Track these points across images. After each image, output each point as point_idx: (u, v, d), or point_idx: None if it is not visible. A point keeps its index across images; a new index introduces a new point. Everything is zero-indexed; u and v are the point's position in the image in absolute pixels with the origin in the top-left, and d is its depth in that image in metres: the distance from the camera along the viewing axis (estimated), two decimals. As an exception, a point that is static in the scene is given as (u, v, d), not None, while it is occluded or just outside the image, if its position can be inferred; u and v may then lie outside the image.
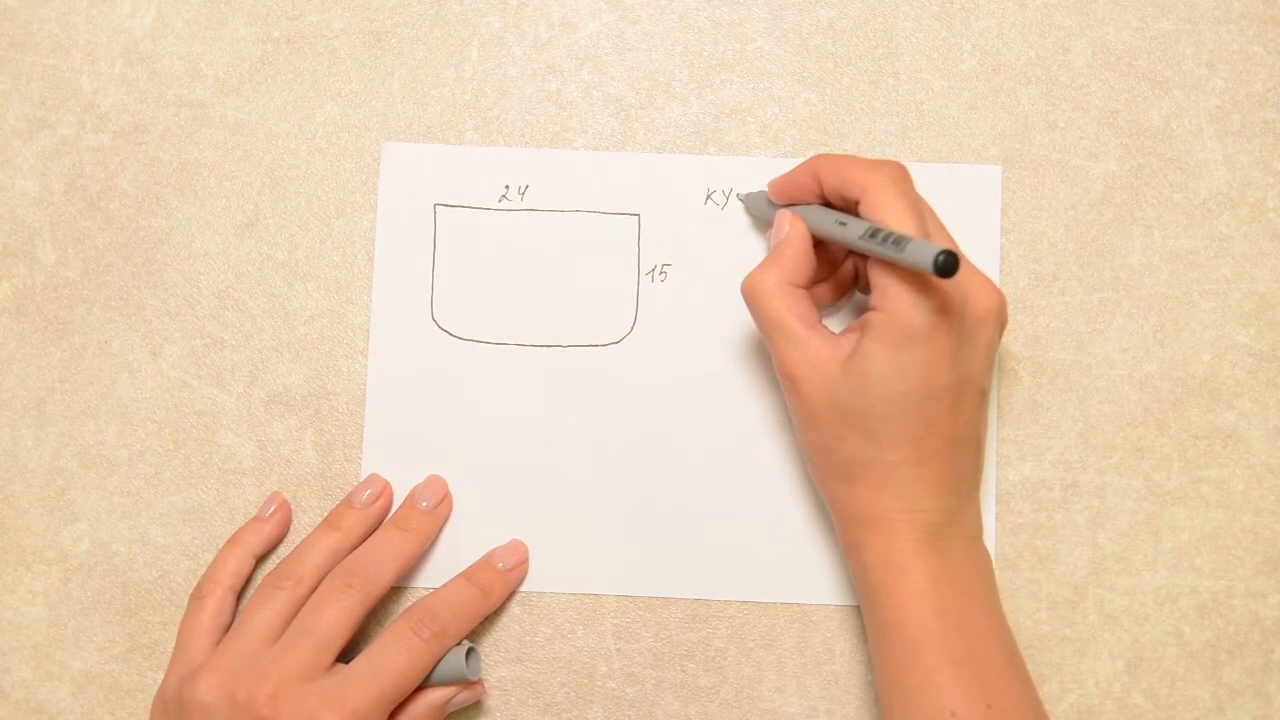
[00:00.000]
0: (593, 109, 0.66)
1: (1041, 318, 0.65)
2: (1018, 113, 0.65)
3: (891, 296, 0.55)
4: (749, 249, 0.65)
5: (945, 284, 0.55)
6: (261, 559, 0.64)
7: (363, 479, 0.64)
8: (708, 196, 0.65)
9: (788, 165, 0.64)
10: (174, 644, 0.62)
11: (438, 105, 0.66)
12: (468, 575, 0.63)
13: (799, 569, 0.63)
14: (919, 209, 0.57)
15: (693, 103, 0.66)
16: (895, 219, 0.56)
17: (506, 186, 0.64)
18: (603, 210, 0.65)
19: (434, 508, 0.63)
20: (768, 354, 0.64)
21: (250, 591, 0.64)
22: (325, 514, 0.64)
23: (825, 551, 0.64)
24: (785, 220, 0.59)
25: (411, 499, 0.63)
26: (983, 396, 0.58)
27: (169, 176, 0.66)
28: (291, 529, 0.64)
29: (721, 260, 0.65)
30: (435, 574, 0.64)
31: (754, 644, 0.64)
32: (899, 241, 0.54)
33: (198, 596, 0.62)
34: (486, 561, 0.63)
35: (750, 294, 0.59)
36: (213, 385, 0.65)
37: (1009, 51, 0.65)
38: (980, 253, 0.64)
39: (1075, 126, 0.65)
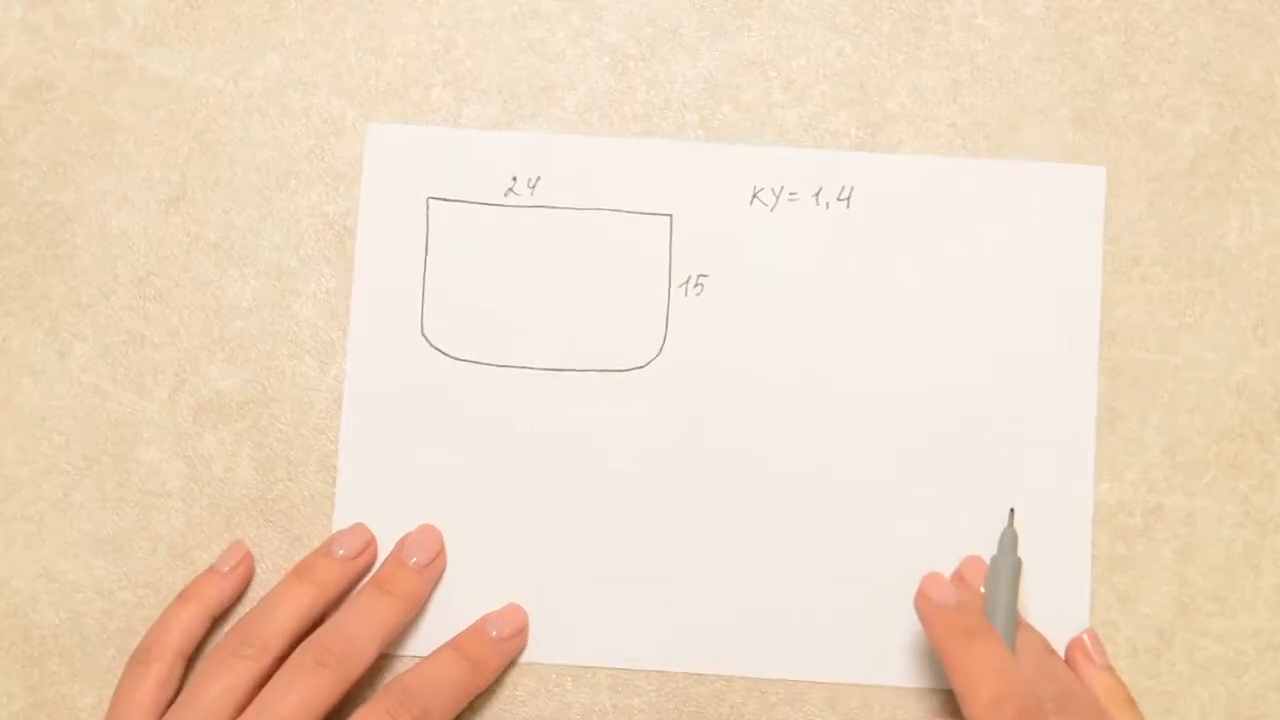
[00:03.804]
0: (584, 61, 0.64)
1: (1119, 310, 0.62)
2: (1091, 65, 0.63)
3: None
4: (800, 257, 0.62)
5: None
6: (218, 620, 0.61)
7: (336, 528, 0.62)
8: (754, 195, 0.63)
9: (842, 158, 0.63)
10: (107, 712, 0.59)
11: (399, 57, 0.64)
12: (456, 645, 0.60)
13: (839, 645, 0.61)
14: None
15: (703, 53, 0.63)
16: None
17: (514, 178, 0.63)
18: (628, 209, 0.63)
19: (425, 566, 0.60)
20: (822, 389, 0.62)
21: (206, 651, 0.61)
22: (264, 545, 0.62)
23: (867, 628, 0.61)
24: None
25: (399, 554, 0.61)
26: None
27: (79, 142, 0.64)
28: (246, 562, 0.62)
29: (768, 271, 0.63)
30: (419, 640, 0.61)
31: (777, 699, 0.61)
32: None
33: (141, 661, 0.59)
34: (479, 628, 0.61)
35: None
36: (131, 391, 0.63)
37: (1081, -9, 0.65)
38: (1075, 270, 0.62)
39: (1160, 82, 0.63)
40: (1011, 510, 0.60)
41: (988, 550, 0.59)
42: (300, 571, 0.60)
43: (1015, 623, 0.56)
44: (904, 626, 0.61)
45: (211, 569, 0.61)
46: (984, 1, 0.63)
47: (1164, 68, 0.63)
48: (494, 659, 0.60)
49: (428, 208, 0.63)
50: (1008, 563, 0.58)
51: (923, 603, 0.57)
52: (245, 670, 0.57)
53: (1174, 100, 0.63)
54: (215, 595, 0.61)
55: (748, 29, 0.63)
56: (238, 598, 0.62)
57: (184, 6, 0.63)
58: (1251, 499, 0.61)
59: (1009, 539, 0.59)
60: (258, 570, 0.61)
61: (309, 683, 0.56)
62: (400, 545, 0.61)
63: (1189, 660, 0.61)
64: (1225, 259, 0.62)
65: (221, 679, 0.57)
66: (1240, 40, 0.63)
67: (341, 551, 0.60)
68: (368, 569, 0.61)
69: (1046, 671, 0.57)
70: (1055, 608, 0.60)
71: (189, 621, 0.60)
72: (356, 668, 0.57)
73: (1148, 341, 0.62)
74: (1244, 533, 0.61)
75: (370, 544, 0.61)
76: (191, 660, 0.60)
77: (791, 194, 0.63)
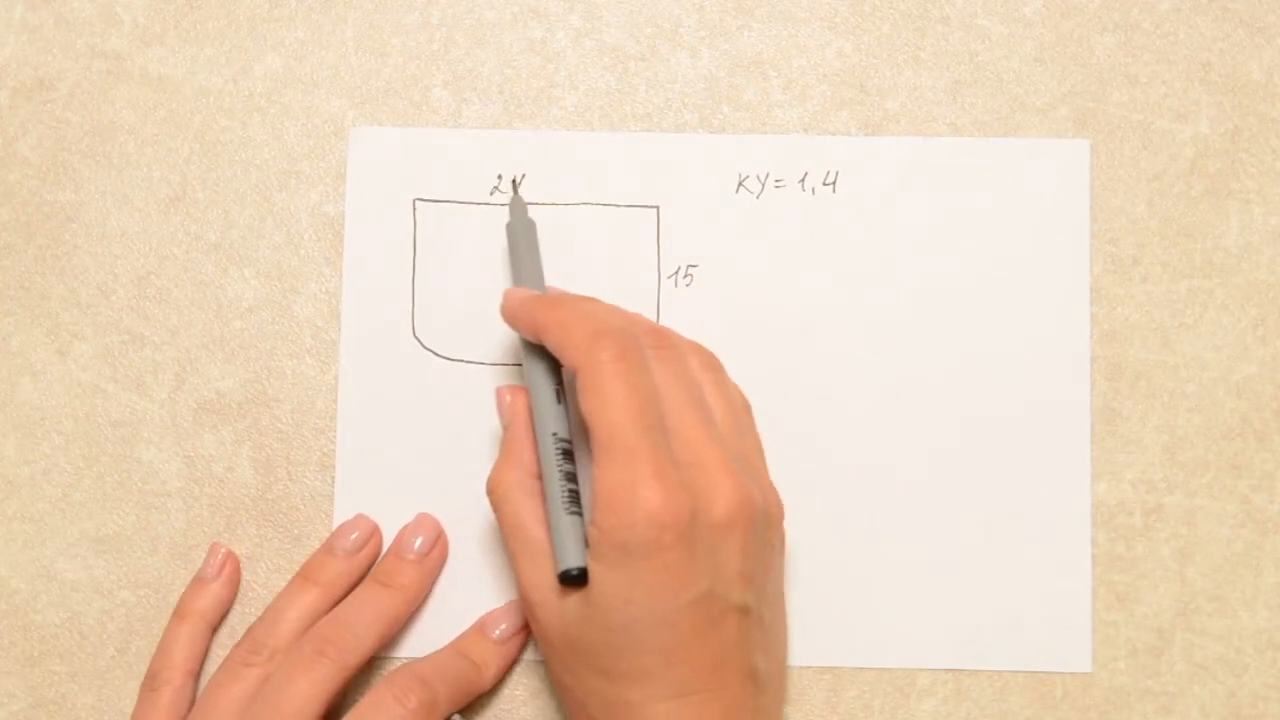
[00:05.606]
0: (584, 61, 0.63)
1: (1119, 310, 0.62)
2: (1092, 65, 0.63)
3: (606, 507, 0.52)
4: (788, 244, 0.62)
5: (667, 489, 0.52)
6: (216, 628, 0.61)
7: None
8: (740, 183, 0.62)
9: (827, 144, 0.62)
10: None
11: (399, 56, 0.63)
12: (457, 647, 0.59)
13: (832, 633, 0.61)
14: (636, 412, 0.53)
15: (703, 53, 0.63)
16: (603, 424, 0.52)
17: (499, 176, 0.63)
18: (615, 203, 0.63)
19: (425, 555, 0.60)
20: (815, 375, 0.62)
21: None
22: (265, 545, 0.61)
23: (860, 620, 0.61)
24: (505, 402, 0.58)
25: (398, 546, 0.60)
26: (746, 614, 0.54)
27: (79, 142, 0.63)
28: (230, 562, 0.62)
29: (757, 259, 0.62)
30: (419, 641, 0.61)
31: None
32: (557, 512, 0.54)
33: (151, 688, 0.59)
34: (479, 629, 0.60)
35: (491, 495, 0.57)
36: (131, 390, 0.62)
37: (1081, -9, 0.64)
38: (1062, 246, 0.62)
39: (1160, 82, 0.63)
40: (514, 182, 0.61)
41: (986, 550, 0.59)
42: (305, 573, 0.59)
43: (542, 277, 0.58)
44: (900, 619, 0.60)
45: (197, 578, 0.60)
46: (984, 1, 0.63)
47: (1164, 68, 0.62)
48: (495, 660, 0.59)
49: (414, 209, 0.63)
50: (524, 224, 0.59)
51: (506, 306, 0.58)
52: (254, 678, 0.57)
53: (1174, 100, 0.62)
54: (209, 605, 0.60)
55: (748, 29, 0.63)
56: (231, 600, 0.61)
57: (184, 6, 0.63)
58: (1251, 499, 0.61)
59: (518, 204, 0.60)
60: (258, 571, 0.61)
61: (309, 673, 0.56)
62: (400, 536, 0.60)
63: (1189, 660, 0.60)
64: (1225, 259, 0.62)
65: (232, 688, 0.57)
66: (1240, 40, 0.62)
67: (344, 548, 0.60)
68: (371, 562, 0.60)
69: (635, 317, 0.57)
70: (1055, 608, 0.60)
71: (189, 639, 0.59)
72: (355, 657, 0.57)
73: (1147, 341, 0.61)
74: (1244, 533, 0.61)
75: (374, 535, 0.60)
76: (201, 673, 0.60)
77: (778, 181, 0.62)
